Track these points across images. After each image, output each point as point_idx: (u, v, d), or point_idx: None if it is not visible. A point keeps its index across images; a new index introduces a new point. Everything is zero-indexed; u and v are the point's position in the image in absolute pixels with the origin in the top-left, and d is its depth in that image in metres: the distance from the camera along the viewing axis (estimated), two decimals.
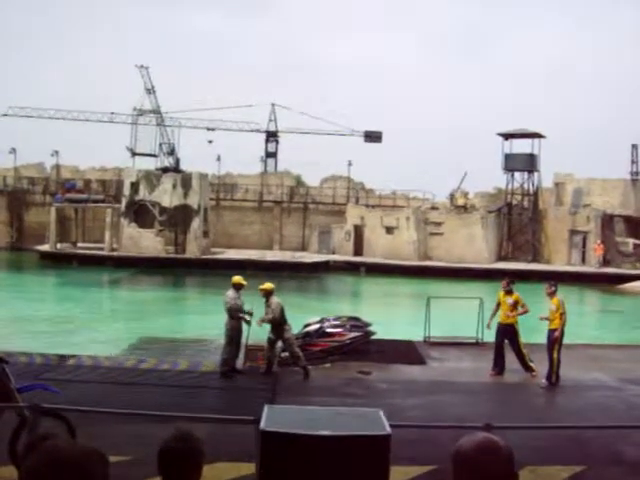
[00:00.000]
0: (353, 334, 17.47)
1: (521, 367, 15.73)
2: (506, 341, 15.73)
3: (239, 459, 8.56)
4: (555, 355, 14.84)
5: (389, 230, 54.69)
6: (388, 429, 5.82)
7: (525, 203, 58.97)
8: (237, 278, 15.54)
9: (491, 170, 79.02)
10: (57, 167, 66.38)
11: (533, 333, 18.06)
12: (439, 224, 54.76)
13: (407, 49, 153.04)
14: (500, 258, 56.51)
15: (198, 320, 29.68)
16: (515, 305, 15.84)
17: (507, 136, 58.16)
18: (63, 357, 16.37)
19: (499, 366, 15.70)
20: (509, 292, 16.01)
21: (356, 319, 18.98)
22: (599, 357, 18.29)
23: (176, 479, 3.41)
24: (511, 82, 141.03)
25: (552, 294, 15.11)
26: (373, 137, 72.17)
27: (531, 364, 15.63)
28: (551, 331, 14.99)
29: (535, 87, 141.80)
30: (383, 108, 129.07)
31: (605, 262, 49.75)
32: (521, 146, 58.87)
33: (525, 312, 15.86)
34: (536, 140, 57.90)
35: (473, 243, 53.27)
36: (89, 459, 1.89)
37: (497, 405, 13.18)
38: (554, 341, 14.84)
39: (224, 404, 12.66)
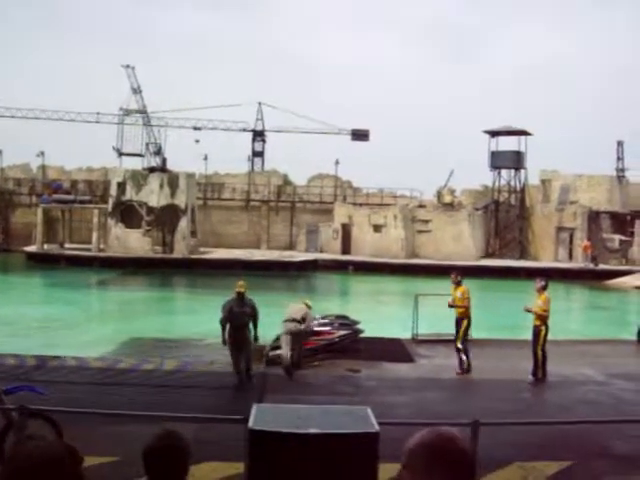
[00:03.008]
0: (341, 332, 17.48)
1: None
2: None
3: (228, 458, 8.55)
4: (539, 351, 14.95)
5: (377, 228, 54.74)
6: (376, 427, 5.83)
7: (512, 200, 59.23)
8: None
9: (478, 167, 79.43)
10: (43, 168, 66.06)
11: (518, 329, 18.14)
12: (426, 222, 54.86)
13: (392, 47, 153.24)
14: (487, 255, 56.75)
15: (187, 320, 29.63)
16: (463, 297, 16.06)
17: (493, 133, 58.35)
18: (50, 358, 16.31)
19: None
20: (458, 284, 16.20)
21: (344, 317, 19.01)
22: (586, 352, 18.40)
23: (162, 478, 3.41)
24: (496, 79, 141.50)
25: (542, 290, 15.17)
26: (360, 135, 72.20)
27: (464, 358, 15.77)
28: (536, 327, 15.09)
29: (520, 84, 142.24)
30: (369, 107, 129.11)
31: (593, 260, 49.93)
32: (507, 143, 59.15)
33: (462, 306, 16.01)
34: (522, 137, 58.16)
35: (460, 240, 53.43)
36: (61, 457, 1.88)
37: (485, 402, 13.21)
38: (537, 337, 15.02)
39: (212, 404, 12.64)
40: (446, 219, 54.56)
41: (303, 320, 15.77)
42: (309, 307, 16.27)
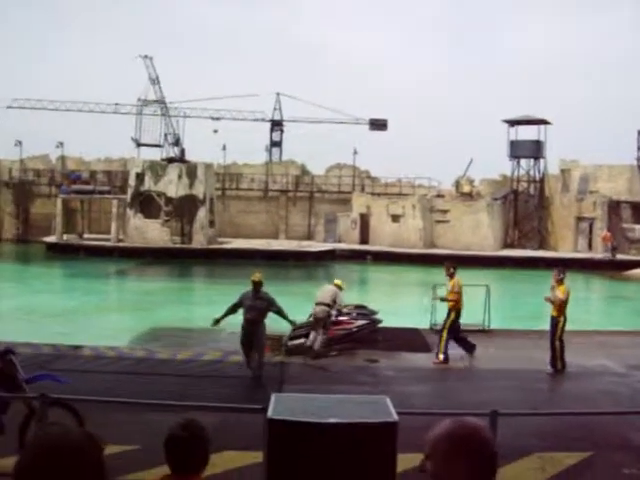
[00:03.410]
0: (360, 322, 17.48)
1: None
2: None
3: (247, 448, 8.59)
4: (557, 342, 14.88)
5: (395, 218, 54.63)
6: (395, 416, 5.83)
7: (531, 190, 58.85)
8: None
9: (497, 157, 78.92)
10: (62, 158, 66.36)
11: (537, 320, 18.05)
12: (445, 212, 54.70)
13: (409, 36, 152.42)
14: (506, 245, 56.48)
15: (205, 310, 29.68)
16: (452, 290, 16.04)
17: (513, 123, 57.99)
18: (69, 347, 16.43)
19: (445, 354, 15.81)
20: (451, 276, 16.19)
21: (362, 307, 18.99)
22: (605, 344, 18.29)
23: (182, 467, 3.45)
24: (516, 67, 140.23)
25: (561, 281, 15.07)
26: (378, 125, 71.96)
27: (441, 355, 15.73)
28: (554, 318, 15.02)
29: (539, 72, 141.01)
30: (388, 96, 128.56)
31: (613, 250, 49.52)
32: (527, 133, 58.77)
33: (452, 300, 16.00)
34: (542, 126, 57.77)
35: (479, 230, 53.21)
36: (81, 444, 1.90)
37: (503, 392, 13.18)
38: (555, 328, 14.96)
39: (232, 393, 12.69)
40: (465, 209, 54.36)
41: (333, 302, 15.83)
42: (340, 288, 16.36)
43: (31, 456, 1.89)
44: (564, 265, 19.61)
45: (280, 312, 14.08)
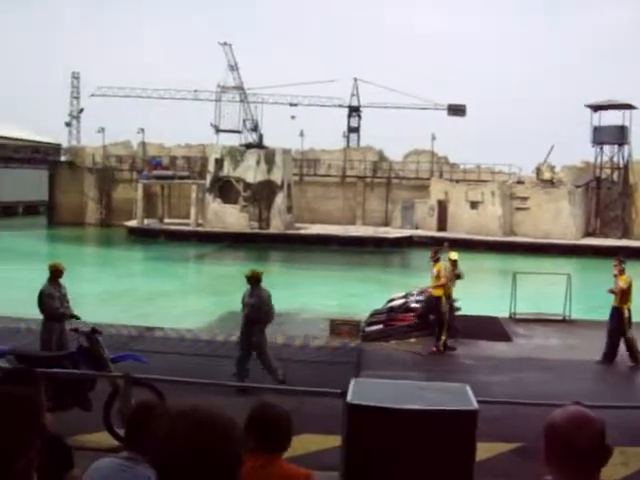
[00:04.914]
0: None
1: None
2: None
3: (325, 431, 8.62)
4: (628, 335, 14.42)
5: (474, 205, 53.98)
6: (475, 404, 5.75)
7: (614, 177, 57.27)
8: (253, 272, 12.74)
9: (579, 143, 77.05)
10: (143, 145, 67.66)
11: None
12: (525, 199, 53.76)
13: (488, 18, 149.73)
14: (588, 234, 55.15)
15: (282, 294, 29.84)
16: (438, 276, 15.71)
17: (596, 108, 56.41)
18: (150, 329, 16.79)
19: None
20: (436, 261, 15.93)
21: None
22: None
23: (265, 447, 3.46)
24: (598, 47, 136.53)
25: (622, 271, 14.61)
26: (457, 110, 71.10)
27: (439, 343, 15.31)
28: (615, 309, 14.54)
29: (625, 52, 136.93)
30: (466, 81, 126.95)
31: None
32: (611, 118, 57.07)
33: (442, 285, 15.64)
34: (627, 111, 56.05)
35: (560, 218, 52.09)
36: (227, 423, 1.94)
37: (585, 384, 12.90)
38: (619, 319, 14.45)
39: (308, 377, 12.75)
40: (545, 196, 53.31)
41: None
42: (452, 261, 16.44)
43: (176, 429, 1.92)
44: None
45: (267, 314, 12.37)
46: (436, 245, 18.83)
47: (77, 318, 11.79)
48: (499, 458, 8.64)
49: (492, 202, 53.09)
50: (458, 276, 16.78)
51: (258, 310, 12.14)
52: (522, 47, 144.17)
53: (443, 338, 15.23)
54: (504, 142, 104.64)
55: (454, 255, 16.96)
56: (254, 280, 12.33)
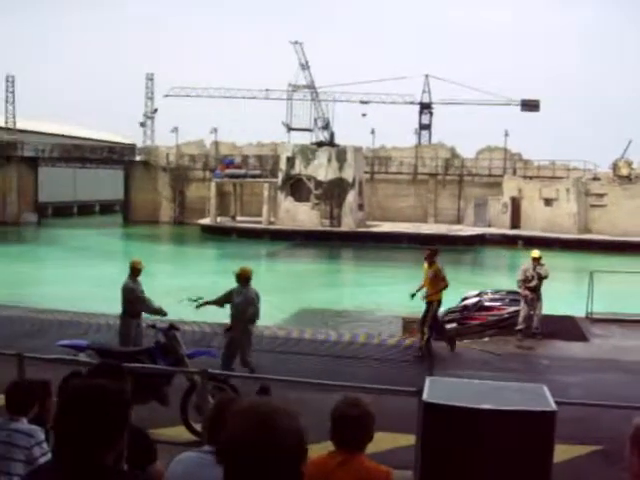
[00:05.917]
0: (512, 308, 17.14)
1: None
2: None
3: (398, 430, 8.61)
4: None
5: (548, 202, 53.04)
6: (554, 405, 5.68)
7: None
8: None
9: None
10: (216, 144, 68.55)
11: None
12: (601, 195, 52.56)
13: (561, 11, 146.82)
14: None
15: (354, 292, 30.02)
16: (436, 278, 14.21)
17: None
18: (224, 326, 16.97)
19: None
20: (431, 264, 14.39)
21: (516, 293, 18.56)
22: None
23: (349, 443, 3.50)
24: None
25: None
26: (530, 106, 70.01)
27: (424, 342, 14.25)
28: None
29: None
30: (540, 76, 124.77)
31: None
32: None
33: (445, 287, 14.35)
34: None
35: (638, 215, 50.71)
36: (290, 417, 1.97)
37: None
38: None
39: (381, 375, 12.75)
40: (623, 193, 52.03)
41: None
42: (536, 259, 16.22)
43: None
44: None
45: (252, 315, 11.61)
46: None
47: (164, 314, 11.66)
48: (577, 461, 8.49)
49: (567, 199, 52.09)
50: (540, 275, 16.22)
51: (243, 311, 11.39)
52: (599, 42, 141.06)
53: (426, 336, 14.21)
54: (579, 138, 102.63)
55: (536, 253, 16.55)
56: (243, 279, 11.64)
